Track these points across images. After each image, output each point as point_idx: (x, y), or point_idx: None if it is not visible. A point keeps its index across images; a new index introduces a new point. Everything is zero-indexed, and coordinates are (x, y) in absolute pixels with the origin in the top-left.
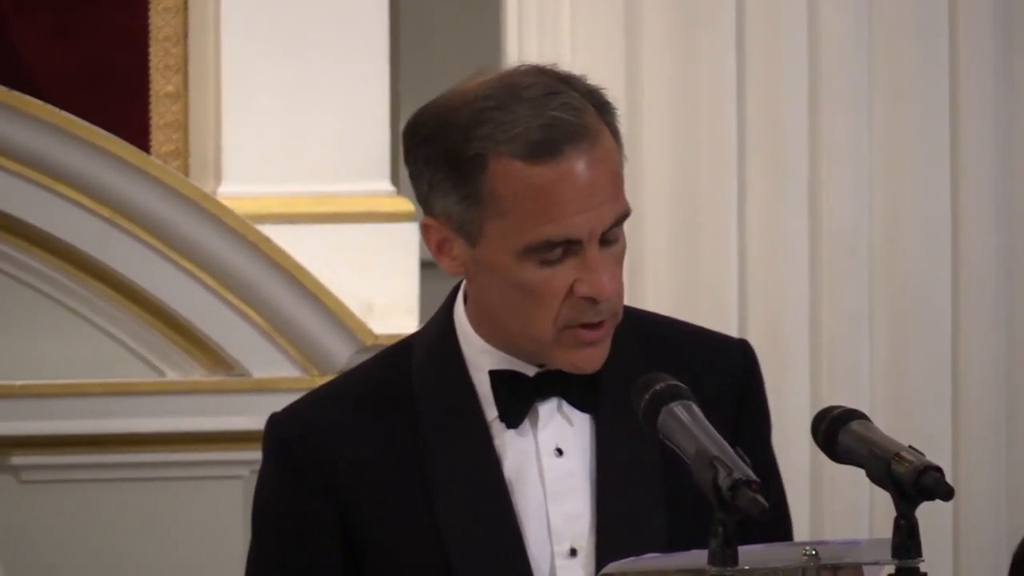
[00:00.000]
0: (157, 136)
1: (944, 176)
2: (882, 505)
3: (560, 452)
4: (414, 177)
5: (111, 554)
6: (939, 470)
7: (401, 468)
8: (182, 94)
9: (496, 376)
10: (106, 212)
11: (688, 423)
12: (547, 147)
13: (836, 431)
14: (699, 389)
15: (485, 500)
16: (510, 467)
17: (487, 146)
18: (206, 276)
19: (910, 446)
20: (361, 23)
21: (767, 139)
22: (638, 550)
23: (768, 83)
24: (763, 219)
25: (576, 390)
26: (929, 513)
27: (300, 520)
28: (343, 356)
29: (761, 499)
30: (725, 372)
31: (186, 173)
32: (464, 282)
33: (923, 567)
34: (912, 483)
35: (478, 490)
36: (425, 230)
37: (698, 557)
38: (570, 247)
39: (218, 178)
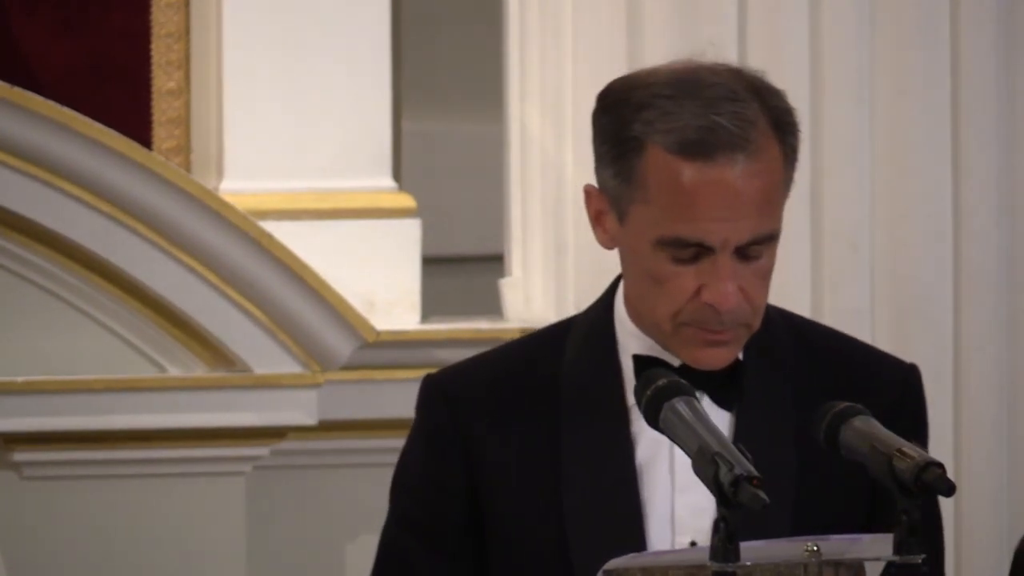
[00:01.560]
0: (159, 132)
1: (946, 172)
2: None
3: None
4: (593, 141)
5: (113, 550)
6: (941, 466)
7: (536, 444)
8: (184, 90)
9: (639, 361)
10: (108, 208)
11: (690, 419)
12: (700, 148)
13: (838, 427)
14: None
15: (611, 484)
16: (642, 454)
17: (647, 131)
18: (208, 272)
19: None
20: (363, 19)
21: None
22: None
23: (769, 79)
24: None
25: (719, 386)
26: None
27: (431, 480)
28: (345, 352)
29: (762, 495)
30: (881, 391)
31: (188, 169)
32: None
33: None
34: (913, 479)
35: (606, 473)
36: (587, 197)
37: (700, 553)
38: (704, 251)
39: (220, 174)
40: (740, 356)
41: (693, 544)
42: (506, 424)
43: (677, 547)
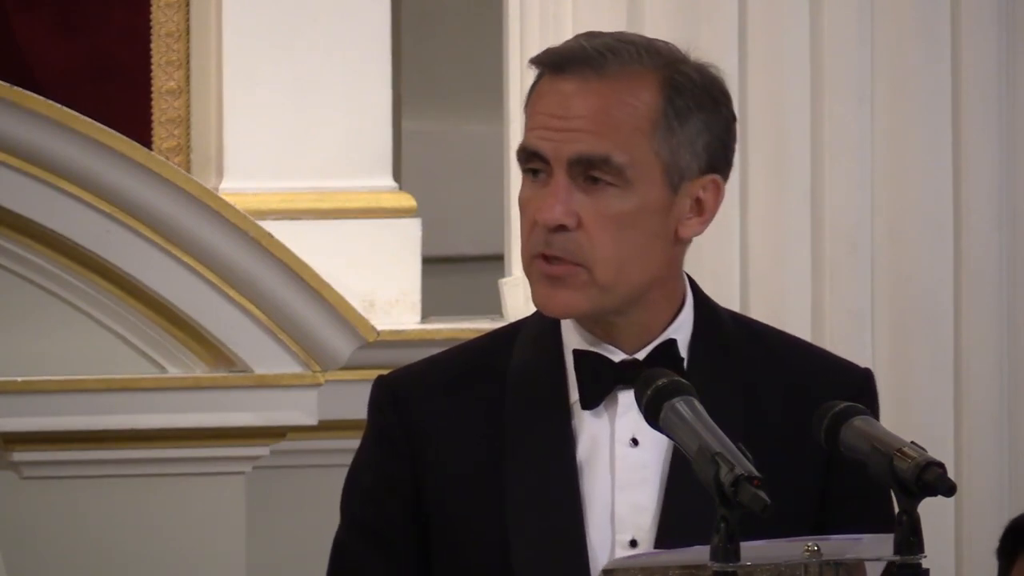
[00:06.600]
0: (159, 132)
1: (946, 171)
2: None
3: (635, 442)
4: None
5: (112, 550)
6: (941, 466)
7: (481, 442)
8: (184, 90)
9: (580, 357)
10: (107, 208)
11: (690, 419)
12: (555, 63)
13: (838, 427)
14: (809, 407)
15: (552, 481)
16: (583, 451)
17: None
18: (208, 272)
19: (912, 442)
20: (363, 18)
21: (769, 135)
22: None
23: (770, 78)
24: (765, 214)
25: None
26: (931, 509)
27: (379, 480)
28: (345, 352)
29: (763, 495)
30: (838, 395)
31: (188, 169)
32: None
33: (925, 563)
34: (914, 479)
35: (547, 470)
36: None
37: (700, 553)
38: (545, 168)
39: (220, 174)
40: (677, 338)
41: (633, 542)
42: (454, 425)
43: (617, 545)
